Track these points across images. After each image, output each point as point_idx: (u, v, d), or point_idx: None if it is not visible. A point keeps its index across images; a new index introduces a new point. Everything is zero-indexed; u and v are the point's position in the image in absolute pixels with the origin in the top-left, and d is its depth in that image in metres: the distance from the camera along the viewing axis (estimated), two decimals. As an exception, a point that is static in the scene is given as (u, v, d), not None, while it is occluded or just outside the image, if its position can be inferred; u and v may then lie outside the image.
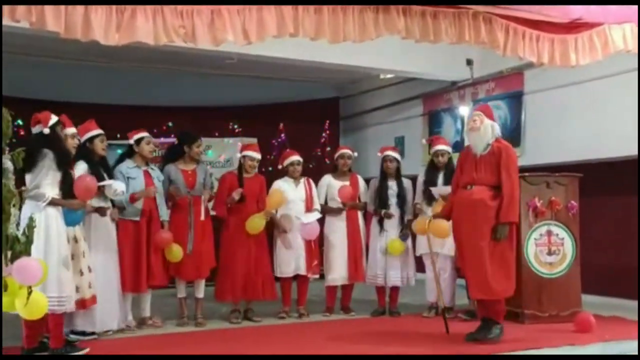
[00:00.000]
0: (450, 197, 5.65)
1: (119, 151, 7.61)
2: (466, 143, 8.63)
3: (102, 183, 5.35)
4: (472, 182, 5.32)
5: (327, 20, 4.45)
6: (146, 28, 3.96)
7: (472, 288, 5.30)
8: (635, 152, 6.81)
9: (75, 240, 5.07)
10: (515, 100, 8.22)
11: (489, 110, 5.57)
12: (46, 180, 4.72)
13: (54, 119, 4.81)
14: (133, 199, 5.79)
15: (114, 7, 3.87)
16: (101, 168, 5.53)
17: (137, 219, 5.83)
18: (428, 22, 4.78)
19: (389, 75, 9.69)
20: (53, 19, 3.74)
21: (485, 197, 5.20)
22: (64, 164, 4.82)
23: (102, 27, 3.88)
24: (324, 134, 10.47)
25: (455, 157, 7.02)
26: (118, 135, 8.13)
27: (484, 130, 5.34)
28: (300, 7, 4.35)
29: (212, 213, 6.44)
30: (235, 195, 6.24)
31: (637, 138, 6.65)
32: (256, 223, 6.24)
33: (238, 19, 4.20)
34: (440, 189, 6.34)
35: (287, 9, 4.31)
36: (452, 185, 5.69)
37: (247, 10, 4.21)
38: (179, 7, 4.04)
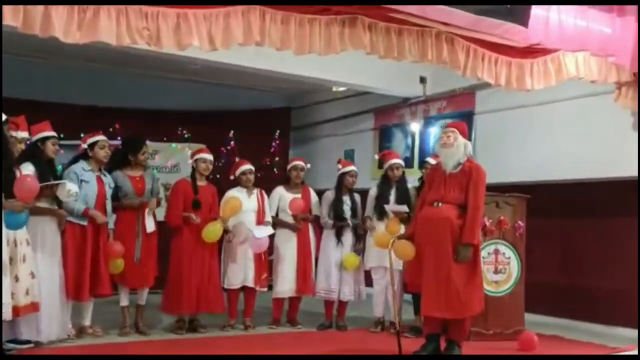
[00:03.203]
0: (415, 213, 5.57)
1: (61, 151, 7.34)
2: (418, 157, 8.92)
3: (55, 182, 5.13)
4: (440, 199, 5.23)
5: (293, 32, 4.42)
6: (109, 28, 3.82)
7: (439, 306, 5.12)
8: (577, 177, 7.07)
9: (15, 243, 4.83)
10: (466, 119, 8.31)
11: (464, 127, 5.50)
12: None
13: (3, 117, 4.58)
14: (87, 214, 5.56)
15: (75, 4, 3.71)
16: (48, 170, 5.31)
17: (85, 223, 5.61)
18: (392, 39, 4.80)
19: (341, 88, 9.72)
20: (11, 12, 3.56)
21: (452, 215, 5.13)
22: (3, 165, 4.57)
23: (63, 24, 3.71)
24: (274, 144, 10.42)
25: (408, 173, 7.11)
26: (61, 135, 7.87)
27: (457, 148, 5.28)
28: (267, 17, 4.30)
29: (160, 219, 6.27)
30: (195, 219, 6.13)
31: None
32: (212, 232, 6.11)
33: (204, 24, 4.11)
34: (394, 206, 6.35)
35: (255, 18, 4.25)
36: (419, 201, 5.59)
37: (214, 16, 4.13)
38: (144, 8, 3.91)
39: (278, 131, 10.47)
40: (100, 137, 5.85)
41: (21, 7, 3.57)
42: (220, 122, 9.93)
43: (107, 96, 9.20)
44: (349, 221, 6.65)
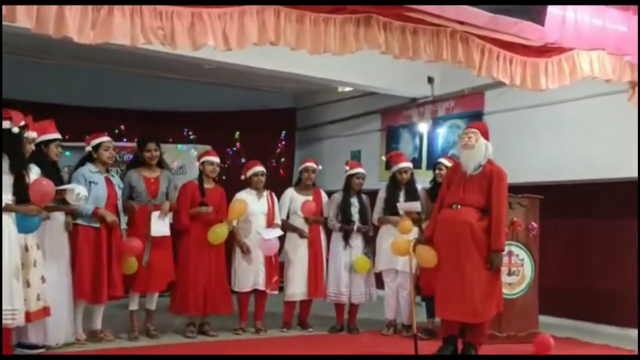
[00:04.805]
0: (433, 215, 5.48)
1: (67, 153, 7.28)
2: (422, 158, 8.84)
3: (64, 187, 5.06)
4: (460, 201, 5.13)
5: (308, 31, 4.34)
6: (123, 28, 3.75)
7: (460, 310, 5.04)
8: (589, 177, 6.99)
9: (26, 248, 4.76)
10: (475, 120, 8.25)
11: (485, 128, 5.40)
12: None
13: (23, 121, 4.54)
14: (96, 214, 5.49)
15: (90, 5, 3.63)
16: (53, 173, 5.22)
17: (98, 225, 5.54)
18: (407, 39, 4.73)
19: (347, 89, 9.64)
20: (24, 13, 3.49)
21: (472, 219, 5.03)
22: (18, 167, 4.50)
23: (77, 24, 3.63)
24: (279, 145, 10.34)
25: (416, 174, 7.02)
26: (66, 137, 7.79)
27: (478, 149, 5.18)
28: (282, 15, 4.23)
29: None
30: (206, 210, 6.06)
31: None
32: (218, 233, 6.05)
33: (219, 23, 4.03)
34: (406, 204, 6.27)
35: (269, 16, 4.18)
36: (436, 203, 5.49)
37: (229, 15, 4.06)
38: (158, 7, 3.84)
39: (284, 132, 10.39)
40: (105, 139, 5.78)
41: (35, 7, 3.49)
42: (226, 123, 9.87)
43: (113, 97, 9.13)
44: (356, 225, 6.55)
